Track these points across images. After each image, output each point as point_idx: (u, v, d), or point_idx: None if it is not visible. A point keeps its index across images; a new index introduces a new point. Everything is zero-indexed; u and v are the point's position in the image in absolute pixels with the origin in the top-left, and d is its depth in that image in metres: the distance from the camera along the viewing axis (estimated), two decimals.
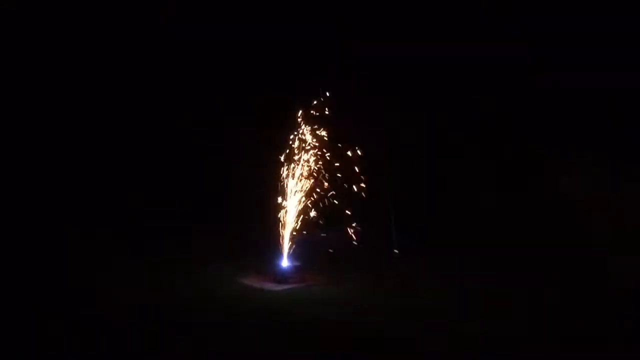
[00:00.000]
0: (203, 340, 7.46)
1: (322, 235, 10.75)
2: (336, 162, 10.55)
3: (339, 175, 10.59)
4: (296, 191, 10.38)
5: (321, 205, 10.45)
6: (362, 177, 10.86)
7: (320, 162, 10.47)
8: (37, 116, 13.23)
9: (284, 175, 10.36)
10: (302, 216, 10.47)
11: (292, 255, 10.39)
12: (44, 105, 13.31)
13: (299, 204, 10.45)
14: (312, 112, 10.48)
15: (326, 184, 10.45)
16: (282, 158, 10.40)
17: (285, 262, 10.34)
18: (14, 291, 8.77)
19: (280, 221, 10.44)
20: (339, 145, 10.64)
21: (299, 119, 10.42)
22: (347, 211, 10.68)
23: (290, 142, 10.38)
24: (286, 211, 10.42)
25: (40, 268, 9.96)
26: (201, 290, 9.52)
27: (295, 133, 10.41)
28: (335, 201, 10.53)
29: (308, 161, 10.38)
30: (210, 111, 13.21)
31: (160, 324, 7.93)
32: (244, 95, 12.87)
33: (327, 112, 10.51)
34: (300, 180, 10.42)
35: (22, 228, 11.54)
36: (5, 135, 12.91)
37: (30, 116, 13.21)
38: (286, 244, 10.42)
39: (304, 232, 10.48)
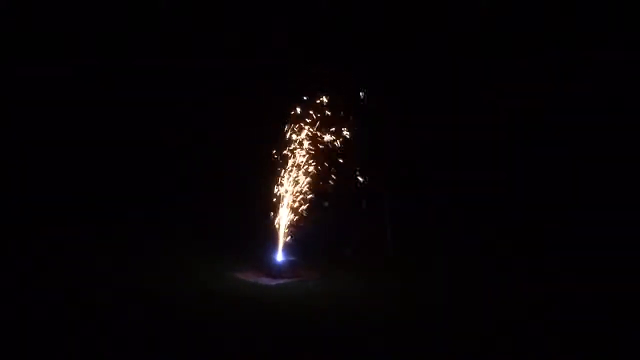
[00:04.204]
0: (197, 335, 7.32)
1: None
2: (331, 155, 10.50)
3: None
4: (293, 181, 10.31)
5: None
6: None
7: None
8: (36, 114, 13.15)
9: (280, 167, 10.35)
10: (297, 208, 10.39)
11: (287, 250, 10.28)
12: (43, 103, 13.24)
13: (294, 196, 10.38)
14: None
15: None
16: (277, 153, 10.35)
17: (280, 257, 10.23)
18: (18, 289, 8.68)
19: (276, 214, 10.35)
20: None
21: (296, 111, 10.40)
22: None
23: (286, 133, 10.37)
24: (281, 205, 10.33)
25: (40, 266, 9.85)
26: (196, 285, 9.42)
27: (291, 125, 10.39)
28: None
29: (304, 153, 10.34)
30: (205, 103, 13.17)
31: (155, 319, 7.80)
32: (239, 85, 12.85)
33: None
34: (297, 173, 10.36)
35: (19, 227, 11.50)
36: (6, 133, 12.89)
37: (29, 114, 13.14)
38: (281, 239, 10.31)
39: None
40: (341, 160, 10.78)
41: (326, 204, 10.61)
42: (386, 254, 11.44)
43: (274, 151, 10.41)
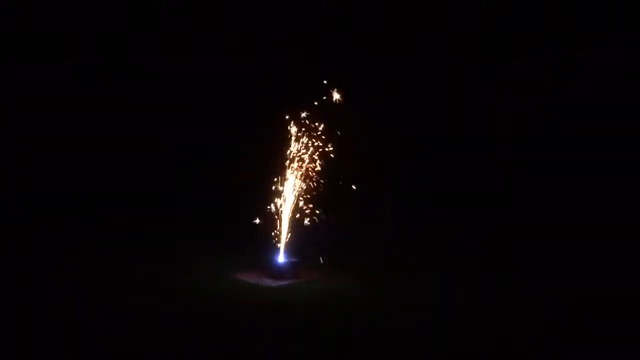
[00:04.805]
0: (199, 337, 7.31)
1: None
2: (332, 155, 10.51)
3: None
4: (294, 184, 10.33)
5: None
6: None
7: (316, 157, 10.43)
8: (36, 114, 13.15)
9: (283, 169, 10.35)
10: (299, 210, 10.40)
11: (289, 251, 10.27)
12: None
13: (296, 198, 10.39)
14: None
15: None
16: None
17: (281, 258, 10.23)
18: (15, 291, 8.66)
19: (277, 216, 10.34)
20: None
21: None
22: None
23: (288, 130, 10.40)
24: (283, 205, 10.33)
25: (40, 266, 9.86)
26: (197, 285, 9.43)
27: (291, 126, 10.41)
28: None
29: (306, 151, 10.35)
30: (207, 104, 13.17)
31: (156, 320, 7.80)
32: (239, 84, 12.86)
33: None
34: (299, 175, 10.36)
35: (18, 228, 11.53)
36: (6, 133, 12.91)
37: (29, 114, 13.14)
38: (283, 240, 10.32)
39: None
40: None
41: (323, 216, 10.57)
42: (388, 254, 11.43)
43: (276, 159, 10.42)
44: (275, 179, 10.45)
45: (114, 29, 13.46)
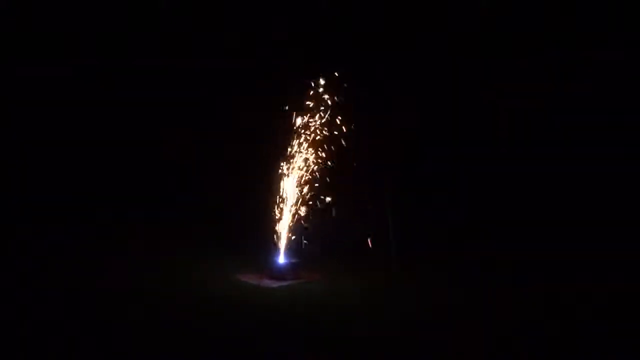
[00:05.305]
0: (199, 337, 7.30)
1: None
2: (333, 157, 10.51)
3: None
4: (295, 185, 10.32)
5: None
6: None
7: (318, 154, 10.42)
8: (36, 114, 13.15)
9: (282, 170, 10.35)
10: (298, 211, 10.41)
11: (289, 252, 10.28)
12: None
13: (296, 199, 10.39)
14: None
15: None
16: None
17: (282, 259, 10.22)
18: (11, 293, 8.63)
19: (277, 217, 10.35)
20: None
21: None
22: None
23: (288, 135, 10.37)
24: (283, 207, 10.32)
25: (40, 266, 9.88)
26: (197, 286, 9.45)
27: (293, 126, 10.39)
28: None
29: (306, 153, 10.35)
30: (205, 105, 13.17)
31: (157, 321, 7.80)
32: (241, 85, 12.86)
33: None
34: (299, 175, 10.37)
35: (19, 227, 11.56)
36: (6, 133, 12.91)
37: (29, 114, 13.14)
38: (283, 241, 10.31)
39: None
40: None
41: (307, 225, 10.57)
42: (389, 254, 11.42)
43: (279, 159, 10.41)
44: (276, 179, 10.44)
45: (114, 29, 13.46)
